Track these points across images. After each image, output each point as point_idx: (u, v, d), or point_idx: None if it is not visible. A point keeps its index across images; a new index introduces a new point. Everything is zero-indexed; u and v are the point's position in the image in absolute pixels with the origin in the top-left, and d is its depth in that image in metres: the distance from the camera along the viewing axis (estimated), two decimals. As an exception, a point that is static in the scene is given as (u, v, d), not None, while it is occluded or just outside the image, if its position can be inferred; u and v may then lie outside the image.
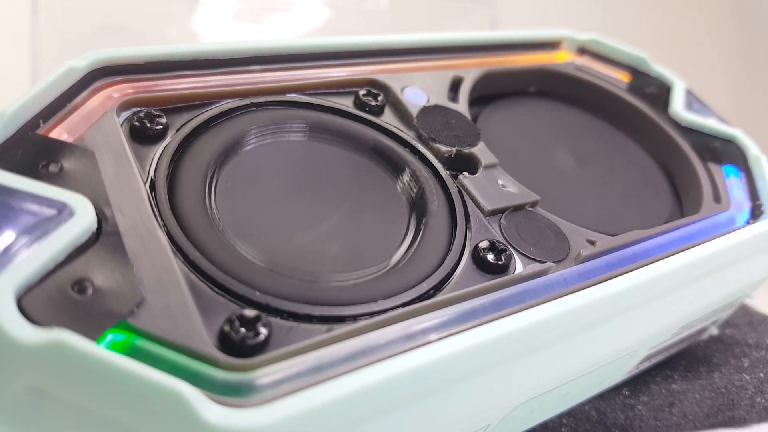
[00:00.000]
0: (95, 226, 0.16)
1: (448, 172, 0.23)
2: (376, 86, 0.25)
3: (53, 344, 0.13)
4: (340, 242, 0.20)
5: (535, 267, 0.20)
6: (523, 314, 0.18)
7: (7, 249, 0.15)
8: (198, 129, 0.21)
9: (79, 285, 0.15)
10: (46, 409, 0.14)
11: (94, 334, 0.14)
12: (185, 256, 0.17)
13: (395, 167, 0.23)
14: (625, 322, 0.21)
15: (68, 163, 0.17)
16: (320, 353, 0.16)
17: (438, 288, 0.19)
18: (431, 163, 0.23)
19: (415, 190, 0.22)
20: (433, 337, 0.17)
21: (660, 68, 0.31)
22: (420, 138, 0.24)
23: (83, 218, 0.16)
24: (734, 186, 0.27)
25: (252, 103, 0.22)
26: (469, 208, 0.22)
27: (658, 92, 0.30)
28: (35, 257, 0.15)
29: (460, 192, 0.22)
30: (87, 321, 0.14)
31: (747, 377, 0.28)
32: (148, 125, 0.20)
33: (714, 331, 0.30)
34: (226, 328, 0.15)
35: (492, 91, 0.29)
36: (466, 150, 0.24)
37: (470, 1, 0.51)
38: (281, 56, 0.24)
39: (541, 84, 0.31)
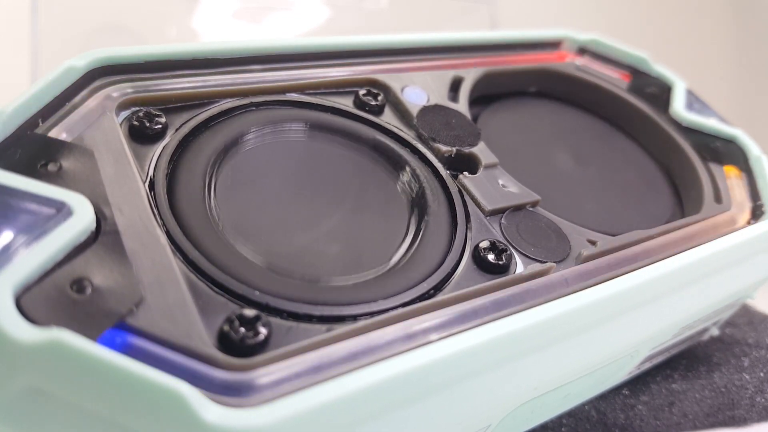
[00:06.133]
0: (94, 225, 0.16)
1: (448, 171, 0.23)
2: (376, 86, 0.25)
3: (52, 344, 0.13)
4: (340, 242, 0.20)
5: (536, 267, 0.20)
6: (524, 314, 0.18)
7: (6, 248, 0.14)
8: (197, 128, 0.21)
9: (78, 284, 0.15)
10: (45, 408, 0.14)
11: (93, 334, 0.14)
12: (184, 256, 0.17)
13: (395, 167, 0.23)
14: (626, 322, 0.21)
15: (67, 163, 0.17)
16: (320, 353, 0.16)
17: (438, 288, 0.19)
18: (431, 163, 0.23)
19: (415, 190, 0.22)
20: (433, 337, 0.17)
21: (660, 68, 0.31)
22: (420, 138, 0.24)
23: (82, 217, 0.16)
24: (735, 186, 0.27)
25: (251, 102, 0.22)
26: (470, 208, 0.22)
27: (658, 92, 0.30)
28: (34, 256, 0.14)
29: (460, 192, 0.22)
30: (86, 320, 0.14)
31: (747, 377, 0.28)
32: (148, 124, 0.20)
33: (715, 331, 0.30)
34: (226, 327, 0.15)
35: (492, 91, 0.29)
36: (467, 150, 0.24)
37: (470, 0, 0.51)
38: (281, 56, 0.24)
39: (542, 84, 0.31)
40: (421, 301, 0.18)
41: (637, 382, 0.28)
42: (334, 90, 0.24)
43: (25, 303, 0.14)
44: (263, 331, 0.16)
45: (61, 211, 0.16)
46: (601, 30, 0.33)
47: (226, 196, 0.19)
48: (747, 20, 0.69)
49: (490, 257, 0.20)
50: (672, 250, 0.22)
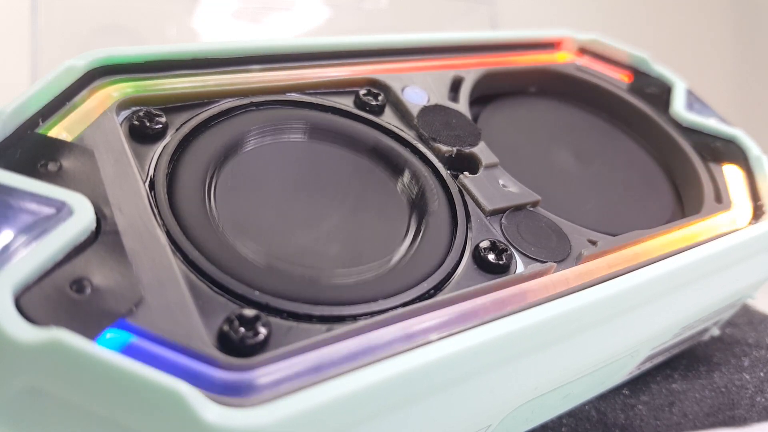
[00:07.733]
0: (94, 225, 0.16)
1: (448, 171, 0.23)
2: (376, 86, 0.25)
3: (51, 343, 0.13)
4: (340, 242, 0.20)
5: (536, 267, 0.20)
6: (524, 314, 0.18)
7: (6, 248, 0.14)
8: (197, 128, 0.21)
9: (78, 284, 0.15)
10: (44, 408, 0.14)
11: (92, 334, 0.14)
12: (184, 256, 0.17)
13: (396, 167, 0.23)
14: (627, 322, 0.21)
15: (67, 162, 0.17)
16: (320, 353, 0.16)
17: (438, 288, 0.19)
18: (432, 163, 0.23)
19: (415, 190, 0.22)
20: (433, 337, 0.17)
21: (661, 68, 0.31)
22: (420, 138, 0.24)
23: (82, 217, 0.16)
24: (735, 186, 0.27)
25: (252, 102, 0.22)
26: (470, 208, 0.22)
27: (658, 92, 0.30)
28: (34, 256, 0.14)
29: (460, 192, 0.22)
30: (85, 320, 0.14)
31: (747, 376, 0.28)
32: (148, 124, 0.20)
33: (715, 331, 0.30)
34: (226, 327, 0.15)
35: (492, 91, 0.29)
36: (467, 150, 0.24)
37: (470, 0, 0.51)
38: (281, 56, 0.24)
39: (542, 84, 0.31)
40: (421, 300, 0.18)
41: (637, 382, 0.28)
42: (334, 90, 0.24)
43: (25, 303, 0.14)
44: (263, 331, 0.16)
45: (61, 210, 0.16)
46: (601, 30, 0.33)
47: (226, 196, 0.19)
48: (747, 20, 0.69)
49: (491, 257, 0.20)
50: (672, 250, 0.22)
